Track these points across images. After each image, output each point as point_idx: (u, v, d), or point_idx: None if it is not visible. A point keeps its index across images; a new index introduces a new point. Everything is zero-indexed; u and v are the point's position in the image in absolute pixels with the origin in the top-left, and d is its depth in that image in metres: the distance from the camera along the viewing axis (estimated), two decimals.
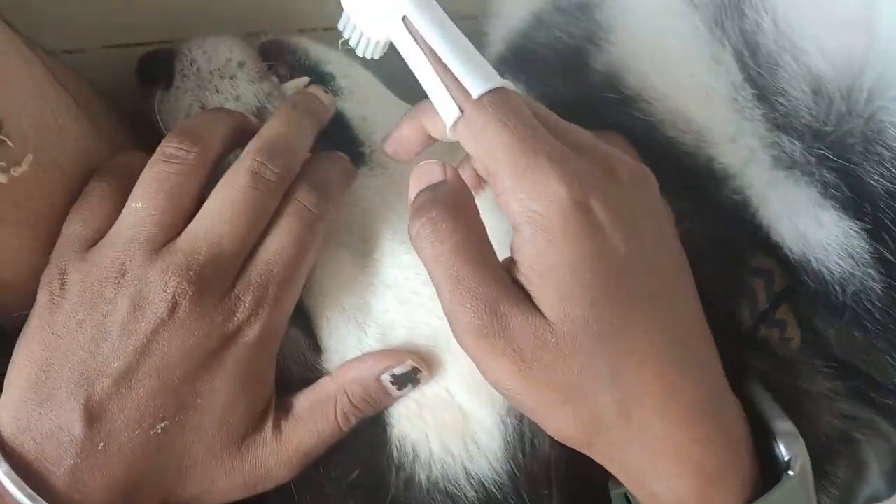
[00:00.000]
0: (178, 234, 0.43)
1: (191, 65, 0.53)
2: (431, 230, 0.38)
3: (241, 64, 0.53)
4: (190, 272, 0.41)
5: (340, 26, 0.45)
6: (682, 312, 0.41)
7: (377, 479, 0.46)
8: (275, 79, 0.54)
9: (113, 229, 0.43)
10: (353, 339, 0.47)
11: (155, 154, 0.44)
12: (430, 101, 0.40)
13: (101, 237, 0.43)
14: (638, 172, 0.40)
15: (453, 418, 0.46)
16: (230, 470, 0.44)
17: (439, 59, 0.38)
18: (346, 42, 0.45)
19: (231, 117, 0.47)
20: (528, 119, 0.38)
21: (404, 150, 0.45)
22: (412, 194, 0.41)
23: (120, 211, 0.43)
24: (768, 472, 0.41)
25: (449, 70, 0.38)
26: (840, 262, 0.44)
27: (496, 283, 0.38)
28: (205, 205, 0.43)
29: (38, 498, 0.40)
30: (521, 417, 0.45)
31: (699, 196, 0.48)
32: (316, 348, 0.48)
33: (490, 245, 0.39)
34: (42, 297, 0.43)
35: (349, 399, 0.46)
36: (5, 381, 0.43)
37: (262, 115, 0.51)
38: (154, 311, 0.41)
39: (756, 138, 0.45)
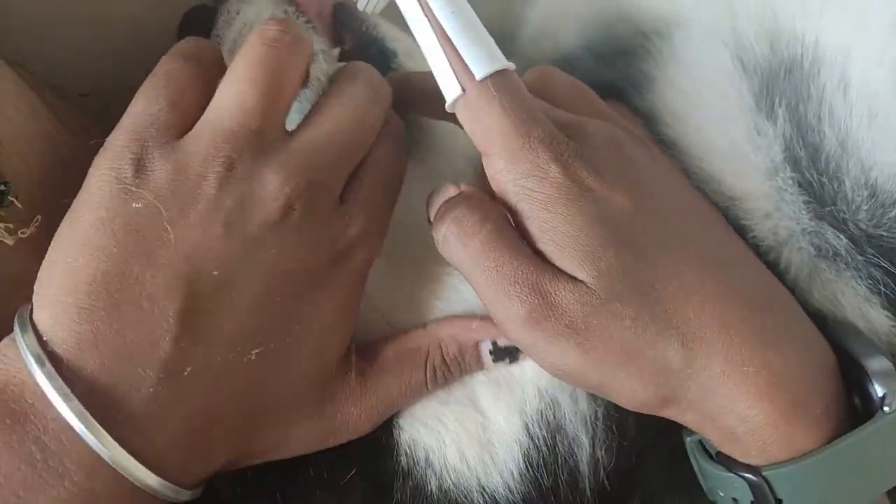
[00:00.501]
0: (283, 128, 0.39)
1: (236, 14, 0.50)
2: (458, 228, 0.38)
3: (296, 16, 0.50)
4: (309, 175, 0.38)
5: None
6: (721, 248, 0.40)
7: (378, 483, 0.43)
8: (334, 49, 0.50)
9: (210, 114, 0.38)
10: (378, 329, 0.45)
11: (250, 38, 0.39)
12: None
13: (190, 126, 0.38)
14: (607, 131, 0.40)
15: (474, 425, 0.44)
16: (311, 415, 0.40)
17: (445, 33, 0.37)
18: None
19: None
20: (527, 102, 0.38)
21: (411, 101, 0.45)
22: (430, 214, 0.40)
23: (209, 101, 0.38)
24: (862, 410, 0.38)
25: (454, 46, 0.37)
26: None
27: (532, 263, 0.37)
28: (320, 110, 0.40)
29: (108, 437, 0.34)
30: (553, 430, 0.43)
31: None
32: None
33: (514, 229, 0.38)
34: (104, 182, 0.36)
35: (443, 355, 0.43)
36: (42, 286, 0.36)
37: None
38: (266, 212, 0.36)
39: (795, 222, 0.42)
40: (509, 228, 0.38)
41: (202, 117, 0.38)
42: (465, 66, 0.37)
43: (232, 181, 0.37)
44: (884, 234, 0.41)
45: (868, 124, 0.40)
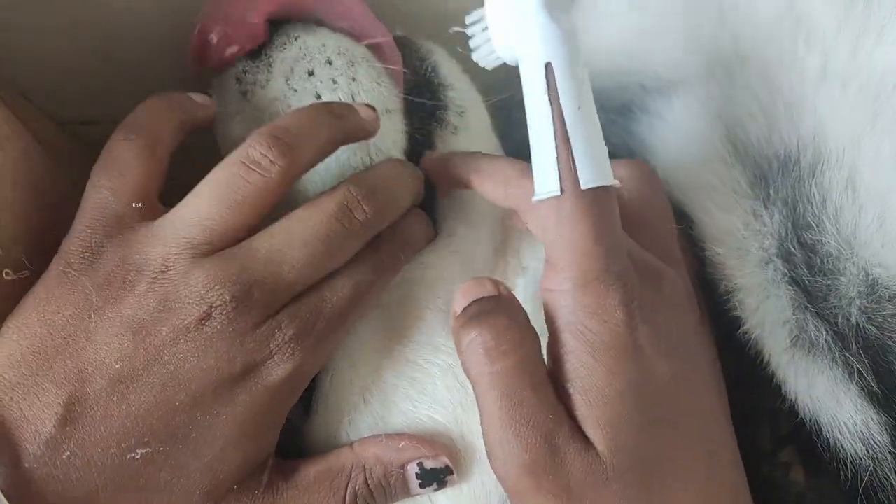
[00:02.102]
0: (238, 242, 0.39)
1: (294, 40, 0.45)
2: (489, 344, 0.35)
3: (362, 56, 0.45)
4: (237, 285, 0.37)
5: (469, 20, 0.39)
6: (716, 431, 0.39)
7: None
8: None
9: (169, 216, 0.39)
10: (349, 406, 0.43)
11: (236, 151, 0.39)
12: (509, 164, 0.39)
13: (137, 211, 0.39)
14: (680, 289, 0.38)
15: None
16: None
17: (564, 128, 0.34)
18: (464, 34, 0.40)
19: (337, 123, 0.42)
20: (617, 231, 0.36)
21: (440, 177, 0.44)
22: (458, 305, 0.38)
23: (154, 177, 0.40)
24: None
25: (569, 144, 0.34)
26: (854, 445, 0.42)
27: (553, 411, 0.35)
28: (280, 221, 0.39)
29: None
30: None
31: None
32: (304, 409, 0.44)
33: (544, 365, 0.36)
34: (56, 265, 0.38)
35: (366, 479, 0.41)
36: None
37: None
38: (182, 317, 0.37)
39: (779, 313, 0.42)
40: (540, 362, 0.36)
41: (164, 217, 0.39)
42: (573, 168, 0.34)
43: (163, 282, 0.37)
44: (873, 328, 0.41)
45: (878, 226, 0.40)
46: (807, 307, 0.41)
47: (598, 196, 0.35)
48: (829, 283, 0.40)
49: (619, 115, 0.49)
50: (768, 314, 0.42)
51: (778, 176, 0.42)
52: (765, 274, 0.42)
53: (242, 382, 0.38)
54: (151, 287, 0.37)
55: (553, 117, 0.34)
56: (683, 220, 0.44)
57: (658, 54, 0.49)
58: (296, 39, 0.45)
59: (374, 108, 0.43)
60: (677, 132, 0.46)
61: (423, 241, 0.44)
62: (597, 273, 0.35)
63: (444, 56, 0.48)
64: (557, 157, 0.34)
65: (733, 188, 0.43)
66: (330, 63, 0.45)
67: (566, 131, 0.34)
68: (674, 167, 0.45)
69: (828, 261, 0.40)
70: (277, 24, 0.46)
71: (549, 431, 0.35)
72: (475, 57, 0.39)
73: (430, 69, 0.47)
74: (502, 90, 0.46)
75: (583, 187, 0.34)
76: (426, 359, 0.43)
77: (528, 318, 0.37)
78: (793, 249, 0.41)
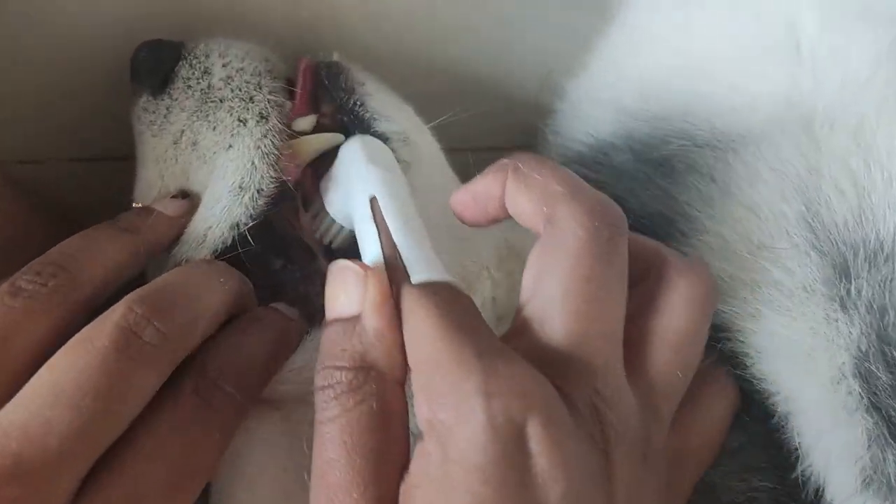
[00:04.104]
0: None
1: (202, 75, 0.42)
2: (343, 399, 0.29)
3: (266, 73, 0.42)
4: None
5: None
6: None
7: None
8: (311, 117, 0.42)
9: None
10: None
11: (7, 282, 0.33)
12: (524, 156, 0.33)
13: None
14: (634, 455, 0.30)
15: None
16: None
17: (391, 239, 0.33)
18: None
19: (127, 248, 0.37)
20: (467, 316, 0.30)
21: (471, 214, 0.35)
22: (328, 309, 0.32)
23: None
24: None
25: (396, 249, 0.32)
26: None
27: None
28: (39, 373, 0.31)
29: None
30: None
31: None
32: None
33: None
34: None
35: None
36: None
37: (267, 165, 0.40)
38: None
39: (848, 446, 0.33)
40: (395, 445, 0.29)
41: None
42: (403, 268, 0.31)
43: None
44: None
45: None
46: (888, 442, 0.32)
47: (436, 288, 0.31)
48: None
49: (654, 169, 0.39)
50: (835, 447, 0.33)
51: (864, 270, 0.33)
52: (835, 396, 0.33)
53: None
54: None
55: (380, 236, 0.33)
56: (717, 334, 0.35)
57: (713, 99, 0.40)
58: (205, 57, 0.43)
59: (186, 195, 0.40)
60: (731, 202, 0.37)
61: (278, 355, 0.37)
62: (448, 355, 0.28)
63: (377, 84, 0.44)
64: (386, 261, 0.32)
65: (803, 283, 0.33)
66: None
67: (393, 244, 0.33)
68: (720, 249, 0.36)
69: None
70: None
71: None
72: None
73: (357, 99, 0.43)
74: None
75: (414, 281, 0.31)
76: None
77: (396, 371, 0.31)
78: (875, 369, 0.32)
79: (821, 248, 0.34)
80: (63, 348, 0.31)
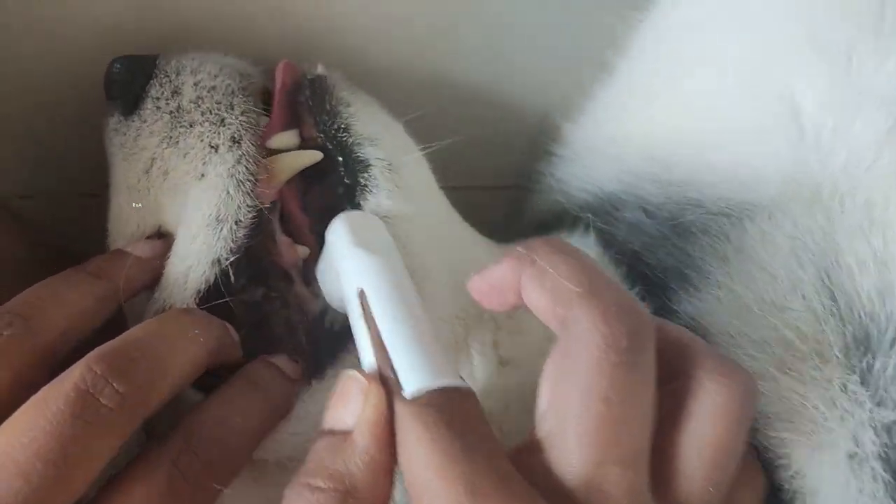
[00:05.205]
0: None
1: (172, 95, 0.40)
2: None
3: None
4: None
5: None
6: None
7: None
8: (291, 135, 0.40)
9: None
10: None
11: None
12: (541, 245, 0.31)
13: None
14: None
15: None
16: None
17: (382, 345, 0.31)
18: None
19: (94, 294, 0.35)
20: (467, 433, 0.27)
21: (490, 303, 0.33)
22: (325, 418, 0.30)
23: None
24: None
25: (388, 357, 0.30)
26: None
27: None
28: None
29: None
30: None
31: None
32: None
33: None
34: None
35: None
36: None
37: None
38: None
39: None
40: None
41: None
42: (394, 377, 0.29)
43: None
44: None
45: None
46: None
47: (433, 399, 0.28)
48: None
49: (670, 230, 0.37)
50: None
51: (888, 342, 0.30)
52: (852, 477, 0.30)
53: None
54: None
55: (371, 337, 0.31)
56: None
57: (721, 170, 0.38)
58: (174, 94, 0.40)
59: (161, 235, 0.38)
60: (746, 261, 0.34)
61: (265, 420, 0.35)
62: (446, 488, 0.26)
63: (367, 104, 0.42)
64: (379, 370, 0.30)
65: (817, 349, 0.31)
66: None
67: (384, 346, 0.31)
68: (730, 304, 0.33)
69: None
70: None
71: None
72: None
73: (340, 122, 0.40)
74: None
75: (407, 395, 0.29)
76: None
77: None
78: None
79: (841, 315, 0.31)
80: (19, 410, 0.29)
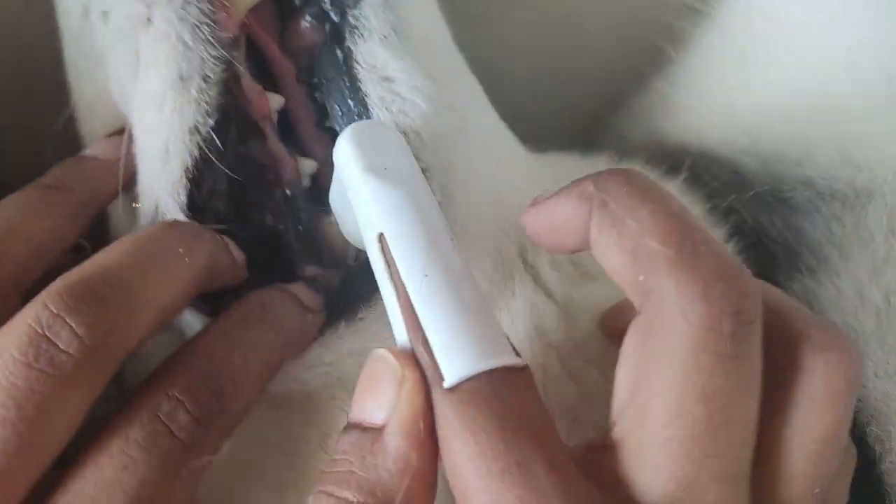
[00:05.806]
0: None
1: None
2: None
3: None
4: None
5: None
6: None
7: None
8: None
9: None
10: None
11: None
12: (615, 182, 0.26)
13: None
14: None
15: None
16: None
17: (413, 311, 0.25)
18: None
19: (58, 211, 0.31)
20: (521, 428, 0.23)
21: (549, 244, 0.27)
22: (353, 408, 0.26)
23: None
24: None
25: (421, 331, 0.25)
26: None
27: None
28: None
29: None
30: None
31: None
32: None
33: None
34: None
35: None
36: None
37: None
38: None
39: None
40: None
41: None
42: (433, 362, 0.25)
43: None
44: None
45: None
46: None
47: (477, 390, 0.24)
48: None
49: (775, 198, 0.32)
50: None
51: None
52: None
53: None
54: None
55: (399, 299, 0.26)
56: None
57: (840, 149, 0.34)
58: None
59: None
60: (867, 251, 0.29)
61: (276, 355, 0.30)
62: (495, 491, 0.23)
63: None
64: (415, 350, 0.26)
65: None
66: None
67: (415, 316, 0.26)
68: (865, 309, 0.28)
69: None
70: None
71: None
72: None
73: (357, 98, 0.32)
74: None
75: (447, 385, 0.24)
76: None
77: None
78: None
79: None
80: None
